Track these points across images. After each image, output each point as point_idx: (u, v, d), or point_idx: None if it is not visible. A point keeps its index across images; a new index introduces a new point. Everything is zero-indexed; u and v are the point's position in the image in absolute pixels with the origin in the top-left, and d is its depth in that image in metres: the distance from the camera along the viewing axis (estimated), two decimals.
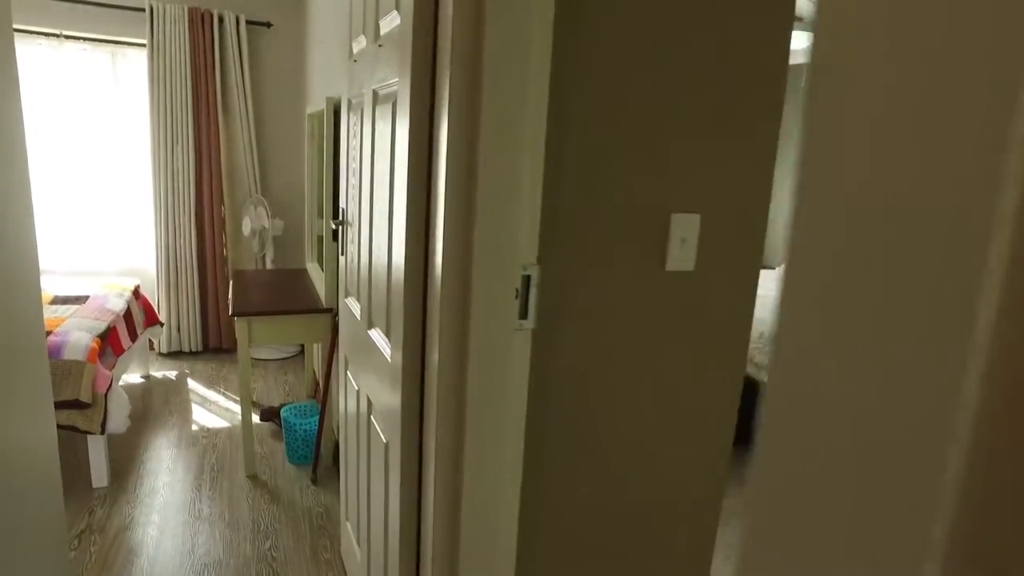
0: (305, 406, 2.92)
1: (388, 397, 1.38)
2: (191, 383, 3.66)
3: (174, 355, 4.12)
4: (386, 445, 1.43)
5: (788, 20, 1.22)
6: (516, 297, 1.09)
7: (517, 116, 1.04)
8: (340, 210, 1.87)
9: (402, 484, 1.34)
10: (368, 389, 1.59)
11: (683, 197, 1.20)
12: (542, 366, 1.17)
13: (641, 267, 1.21)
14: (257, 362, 4.10)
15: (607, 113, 1.11)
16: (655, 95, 1.14)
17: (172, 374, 3.79)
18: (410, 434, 1.31)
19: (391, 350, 1.34)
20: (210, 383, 3.68)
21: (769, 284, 3.51)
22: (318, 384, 3.52)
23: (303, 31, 4.07)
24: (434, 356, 1.17)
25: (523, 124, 1.04)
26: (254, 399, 3.51)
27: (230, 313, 2.50)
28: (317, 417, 2.82)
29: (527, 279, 1.10)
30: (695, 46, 1.14)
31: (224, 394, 3.53)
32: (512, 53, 1.02)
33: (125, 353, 2.90)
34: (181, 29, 3.71)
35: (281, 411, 2.87)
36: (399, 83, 1.21)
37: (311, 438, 2.77)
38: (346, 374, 1.86)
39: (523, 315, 1.11)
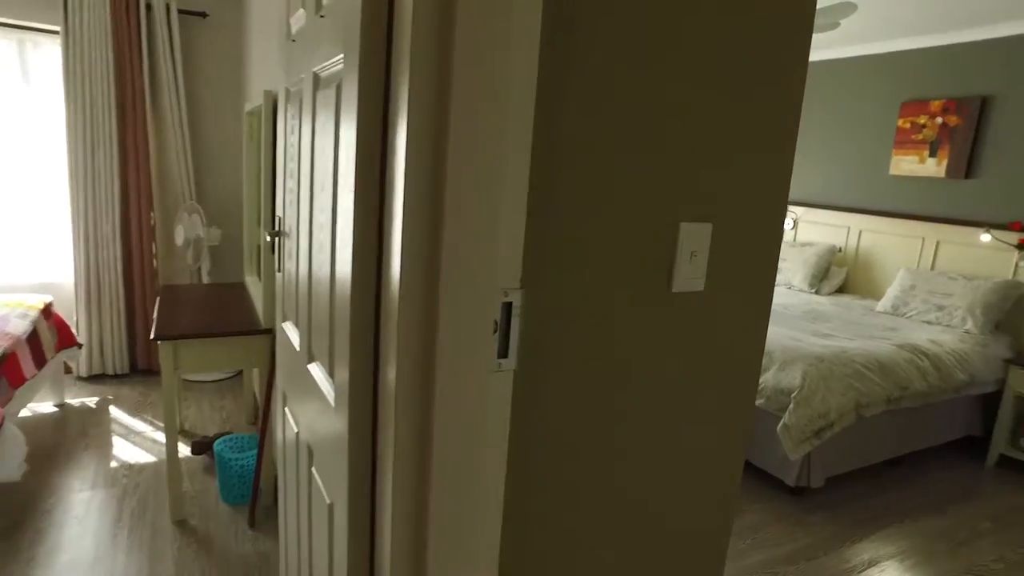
0: (243, 438, 2.59)
1: (332, 449, 1.12)
2: (114, 411, 3.26)
3: (96, 379, 3.70)
4: (330, 506, 1.17)
5: (808, 15, 1.04)
6: (495, 331, 0.85)
7: (497, 102, 0.81)
8: (276, 219, 1.60)
9: (349, 556, 1.08)
10: (309, 434, 1.32)
11: (693, 204, 1.00)
12: (526, 415, 0.94)
13: (644, 288, 0.99)
14: (190, 385, 3.72)
15: (606, 104, 0.90)
16: (661, 84, 0.93)
17: (92, 401, 3.38)
18: (359, 497, 1.05)
19: (335, 393, 1.09)
20: (136, 410, 3.29)
21: None
22: (259, 409, 3.18)
23: (242, 22, 3.74)
24: (389, 404, 0.93)
25: (505, 112, 0.81)
26: (186, 427, 3.15)
27: (151, 336, 2.17)
28: (256, 451, 2.51)
29: (508, 307, 0.87)
30: (708, 31, 0.94)
31: (152, 423, 3.15)
32: (492, 20, 0.79)
33: (28, 382, 2.51)
34: (101, 15, 3.33)
35: (215, 444, 2.53)
36: (345, 59, 0.96)
37: (249, 474, 2.45)
38: (284, 411, 1.59)
39: (503, 353, 0.87)
